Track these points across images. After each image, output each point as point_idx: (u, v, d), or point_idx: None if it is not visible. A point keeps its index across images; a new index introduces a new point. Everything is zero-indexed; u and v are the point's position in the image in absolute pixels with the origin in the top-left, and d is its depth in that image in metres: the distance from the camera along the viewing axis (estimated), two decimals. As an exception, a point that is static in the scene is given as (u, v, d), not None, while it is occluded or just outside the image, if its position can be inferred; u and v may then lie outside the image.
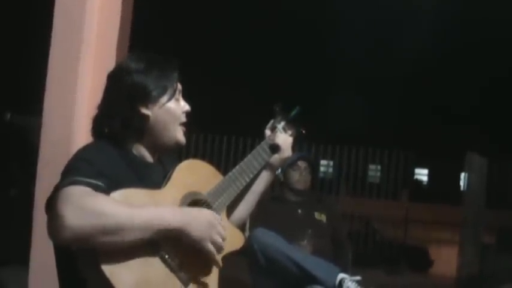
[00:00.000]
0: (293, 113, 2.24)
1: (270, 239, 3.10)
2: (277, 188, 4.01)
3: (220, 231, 1.77)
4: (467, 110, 23.36)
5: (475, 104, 22.95)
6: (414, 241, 10.42)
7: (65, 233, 1.56)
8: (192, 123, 1.96)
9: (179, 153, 2.05)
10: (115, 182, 1.68)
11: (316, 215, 3.72)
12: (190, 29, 19.47)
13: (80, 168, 1.66)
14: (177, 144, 1.89)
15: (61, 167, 1.72)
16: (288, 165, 3.77)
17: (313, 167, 3.92)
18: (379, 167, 12.13)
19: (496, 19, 18.38)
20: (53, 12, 2.75)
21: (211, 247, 1.75)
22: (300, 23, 21.65)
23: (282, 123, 2.18)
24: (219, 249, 1.77)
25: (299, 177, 3.77)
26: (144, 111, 1.82)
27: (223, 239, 1.78)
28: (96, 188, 1.63)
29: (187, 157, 1.96)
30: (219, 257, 1.80)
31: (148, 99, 1.82)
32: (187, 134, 1.91)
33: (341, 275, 2.92)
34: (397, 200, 10.88)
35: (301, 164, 3.80)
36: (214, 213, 1.81)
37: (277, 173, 2.30)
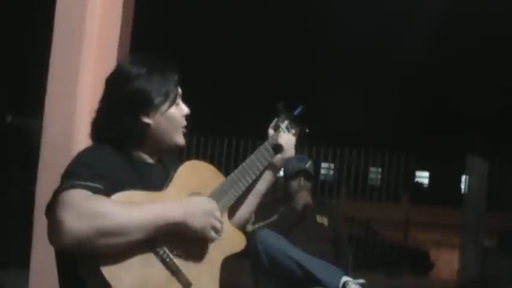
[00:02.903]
0: (296, 111, 2.21)
1: (274, 240, 3.10)
2: (280, 189, 4.00)
3: (218, 216, 1.78)
4: (469, 112, 23.35)
5: (476, 106, 22.94)
6: (415, 244, 10.41)
7: (65, 238, 1.55)
8: (193, 125, 1.94)
9: (180, 156, 2.03)
10: (115, 184, 1.67)
11: (318, 218, 3.71)
12: (191, 30, 19.47)
13: (79, 172, 1.65)
14: (177, 147, 1.88)
15: (62, 169, 1.71)
16: (287, 176, 3.76)
17: (312, 176, 3.89)
18: (380, 170, 12.12)
19: (498, 19, 18.38)
20: (54, 13, 2.74)
21: (213, 234, 1.76)
22: (301, 24, 21.66)
23: (286, 122, 2.16)
24: (219, 234, 1.79)
25: (297, 187, 3.76)
26: (146, 120, 1.80)
27: (221, 223, 1.80)
28: (96, 191, 1.62)
29: (188, 159, 1.94)
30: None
31: (149, 107, 1.80)
32: (188, 136, 1.90)
33: (345, 278, 2.92)
34: (397, 203, 10.84)
35: (300, 177, 3.77)
36: (209, 200, 1.81)
37: (279, 176, 2.28)
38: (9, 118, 9.12)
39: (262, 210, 2.33)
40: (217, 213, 1.78)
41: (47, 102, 2.73)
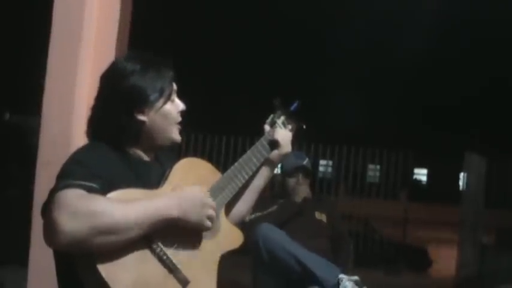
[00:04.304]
0: (293, 107, 2.20)
1: (275, 234, 3.10)
2: (278, 186, 4.01)
3: (212, 204, 1.79)
4: (467, 110, 23.38)
5: (475, 104, 22.96)
6: (413, 241, 10.41)
7: (61, 238, 1.55)
8: (190, 123, 1.94)
9: (178, 154, 2.03)
10: (111, 182, 1.67)
11: (317, 214, 3.72)
12: (189, 29, 19.46)
13: (74, 171, 1.65)
14: (173, 143, 1.88)
15: (60, 167, 1.71)
16: (285, 173, 3.76)
17: (310, 173, 3.90)
18: (378, 167, 12.12)
19: (496, 19, 18.39)
20: (52, 11, 2.74)
21: (208, 223, 1.77)
22: (299, 22, 21.65)
23: (282, 118, 2.15)
24: (213, 221, 1.80)
25: (296, 184, 3.76)
26: (141, 117, 1.79)
27: (215, 210, 1.80)
28: (91, 190, 1.61)
29: (186, 157, 1.94)
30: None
31: (144, 104, 1.78)
32: (185, 134, 1.90)
33: (340, 276, 2.92)
34: (396, 200, 10.85)
35: (298, 174, 3.77)
36: (201, 189, 1.80)
37: (276, 172, 2.28)
38: (7, 116, 9.12)
39: (261, 203, 2.33)
40: (211, 202, 1.79)
41: (45, 101, 2.73)
